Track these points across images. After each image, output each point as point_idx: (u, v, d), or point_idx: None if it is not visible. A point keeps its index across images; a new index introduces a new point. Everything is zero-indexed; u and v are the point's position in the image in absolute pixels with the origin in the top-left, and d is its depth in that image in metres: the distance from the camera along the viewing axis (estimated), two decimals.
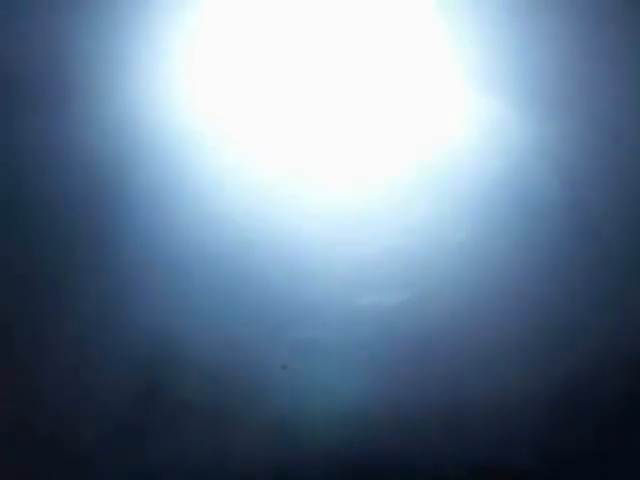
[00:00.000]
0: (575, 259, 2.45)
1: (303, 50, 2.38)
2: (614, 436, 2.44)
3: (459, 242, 2.43)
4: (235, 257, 2.36)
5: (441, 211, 2.43)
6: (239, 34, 2.35)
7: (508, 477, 2.37)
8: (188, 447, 2.29)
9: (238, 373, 2.34)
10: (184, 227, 2.32)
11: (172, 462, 2.27)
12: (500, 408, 2.41)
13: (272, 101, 2.37)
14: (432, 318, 2.42)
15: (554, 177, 2.44)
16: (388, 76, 2.40)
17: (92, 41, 2.24)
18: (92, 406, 2.23)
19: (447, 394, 2.41)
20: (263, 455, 2.34)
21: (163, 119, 2.31)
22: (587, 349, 2.44)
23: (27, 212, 2.21)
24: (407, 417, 2.39)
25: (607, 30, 2.42)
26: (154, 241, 2.30)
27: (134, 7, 2.27)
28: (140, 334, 2.28)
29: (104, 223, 2.27)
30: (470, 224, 2.43)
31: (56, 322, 2.23)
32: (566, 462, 2.41)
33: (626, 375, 2.44)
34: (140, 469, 2.24)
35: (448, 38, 2.39)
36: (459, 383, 2.41)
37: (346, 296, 2.41)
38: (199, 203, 2.34)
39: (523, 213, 2.44)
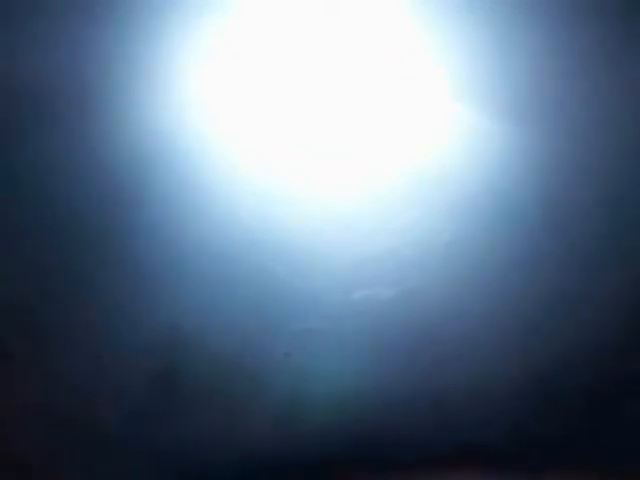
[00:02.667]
0: (551, 256, 2.55)
1: (305, 67, 2.44)
2: (585, 419, 2.57)
3: (445, 242, 2.53)
4: (242, 255, 2.45)
5: (429, 214, 2.52)
6: (247, 54, 2.41)
7: (487, 455, 2.50)
8: (199, 428, 2.41)
9: (245, 360, 2.45)
10: (196, 228, 2.40)
11: (184, 442, 2.39)
12: (481, 392, 2.54)
13: (277, 114, 2.44)
14: (421, 311, 2.53)
15: (533, 182, 2.53)
16: (380, 91, 2.47)
17: (111, 57, 2.30)
18: (112, 389, 2.34)
19: (433, 379, 2.52)
20: (268, 435, 2.46)
21: (176, 129, 2.37)
22: (561, 339, 2.56)
23: (54, 213, 2.30)
24: (397, 400, 2.51)
25: (583, 43, 2.48)
26: (169, 240, 2.39)
27: (152, 25, 2.31)
28: (155, 324, 2.38)
29: (124, 223, 2.35)
30: (455, 226, 2.53)
31: (80, 313, 2.33)
32: (540, 442, 2.54)
33: (596, 363, 2.56)
34: (155, 448, 2.37)
35: (436, 54, 2.45)
36: (444, 369, 2.53)
37: (343, 291, 2.51)
38: (209, 206, 2.42)
39: (503, 215, 2.53)
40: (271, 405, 2.47)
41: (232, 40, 2.39)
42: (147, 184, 2.38)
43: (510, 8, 2.42)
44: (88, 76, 2.29)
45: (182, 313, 2.41)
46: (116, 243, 2.36)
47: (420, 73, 2.47)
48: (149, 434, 2.38)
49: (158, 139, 2.36)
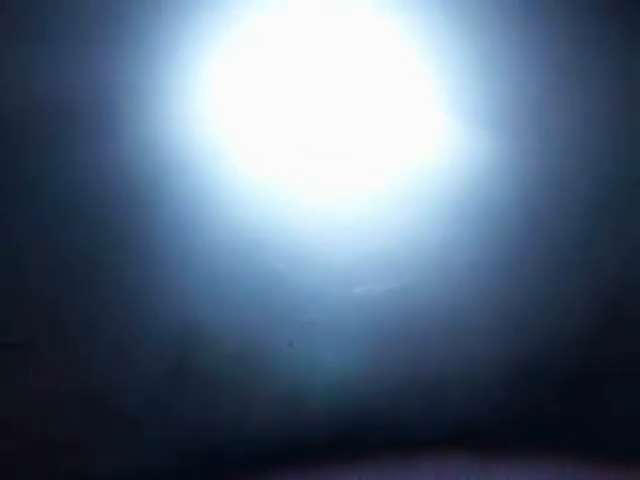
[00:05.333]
0: (530, 252, 2.73)
1: (308, 83, 2.57)
2: (563, 400, 2.74)
3: (436, 241, 2.69)
4: (249, 254, 2.56)
5: (420, 215, 2.67)
6: (254, 71, 2.53)
7: (476, 435, 2.64)
8: (211, 410, 2.51)
9: (252, 349, 2.56)
10: (208, 229, 2.51)
11: (198, 422, 2.49)
12: (469, 378, 2.70)
13: (280, 125, 2.56)
14: (413, 304, 2.67)
15: (515, 186, 2.70)
16: (376, 105, 2.61)
17: (132, 76, 2.40)
18: (134, 376, 2.43)
19: (425, 366, 2.67)
20: (274, 417, 2.57)
21: (190, 140, 2.47)
22: (540, 330, 2.73)
23: (79, 214, 2.37)
24: (392, 385, 2.64)
25: (559, 61, 2.69)
26: (183, 242, 2.48)
27: (165, 43, 2.42)
28: (173, 318, 2.48)
29: (142, 228, 2.44)
30: (444, 226, 2.68)
31: (105, 308, 2.42)
32: (524, 422, 2.69)
33: (572, 351, 2.74)
34: (173, 428, 2.47)
35: (429, 73, 2.62)
36: (435, 357, 2.68)
37: (342, 286, 2.65)
38: (219, 209, 2.52)
39: (487, 217, 2.69)
40: (276, 390, 2.58)
41: (236, 51, 2.49)
42: (161, 189, 2.46)
43: (495, 33, 2.61)
44: (111, 89, 2.39)
45: (195, 307, 2.50)
46: (138, 247, 2.45)
47: (415, 89, 2.62)
48: (165, 416, 2.47)
49: (172, 148, 2.45)
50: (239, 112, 2.54)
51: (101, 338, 2.42)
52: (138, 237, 2.46)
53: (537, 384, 2.75)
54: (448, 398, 2.70)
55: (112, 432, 2.42)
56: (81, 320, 2.40)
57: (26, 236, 2.33)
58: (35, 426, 2.34)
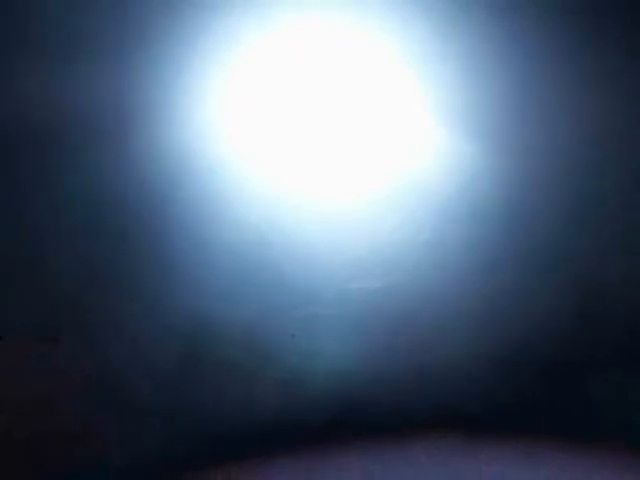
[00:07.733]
0: (512, 252, 2.86)
1: (305, 99, 2.70)
2: (544, 388, 2.87)
3: (424, 241, 2.82)
4: (256, 253, 2.69)
5: (411, 218, 2.81)
6: (257, 90, 2.65)
7: (463, 420, 2.76)
8: (219, 396, 2.65)
9: (257, 341, 2.69)
10: (216, 231, 2.63)
11: (207, 408, 2.62)
12: (457, 367, 2.83)
13: (283, 136, 2.69)
14: (405, 298, 2.81)
15: (498, 191, 2.83)
16: (370, 117, 2.74)
17: (146, 90, 2.53)
18: (146, 366, 2.57)
19: (416, 355, 2.81)
20: (277, 402, 2.71)
21: (202, 149, 2.59)
22: (522, 323, 2.87)
23: (97, 216, 2.49)
24: (386, 373, 2.78)
25: (545, 77, 2.82)
26: (193, 242, 2.61)
27: (178, 63, 2.56)
28: (183, 312, 2.61)
29: (154, 230, 2.56)
30: (432, 227, 2.82)
31: (120, 304, 2.55)
32: (509, 407, 2.82)
33: (553, 342, 2.88)
34: (183, 413, 2.61)
35: (421, 87, 2.75)
36: (426, 347, 2.82)
37: (340, 282, 2.78)
38: (228, 212, 2.64)
39: (472, 218, 2.83)
40: (280, 378, 2.72)
41: (240, 64, 2.61)
42: (173, 193, 2.57)
43: (481, 51, 2.76)
44: (128, 101, 2.54)
45: (205, 302, 2.63)
46: (150, 248, 2.58)
47: (406, 101, 2.76)
48: (177, 403, 2.61)
49: (183, 155, 2.57)
50: (245, 121, 2.65)
51: (118, 332, 2.55)
52: (151, 239, 2.57)
53: (520, 372, 2.87)
54: (438, 384, 2.82)
55: (126, 419, 2.55)
56: (100, 317, 2.53)
57: (50, 238, 2.48)
58: (55, 414, 2.47)
